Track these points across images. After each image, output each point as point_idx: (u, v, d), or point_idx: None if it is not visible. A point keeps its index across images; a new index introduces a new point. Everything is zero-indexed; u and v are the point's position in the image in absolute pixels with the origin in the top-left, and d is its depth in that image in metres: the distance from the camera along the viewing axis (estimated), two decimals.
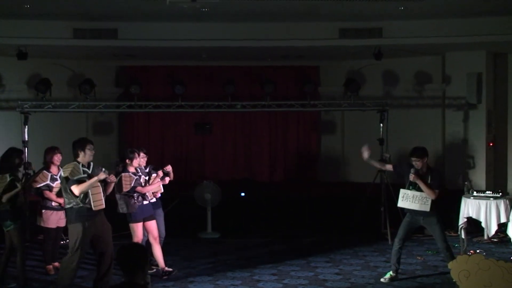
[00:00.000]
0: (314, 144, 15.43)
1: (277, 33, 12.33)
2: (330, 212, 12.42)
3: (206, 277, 9.07)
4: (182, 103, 12.45)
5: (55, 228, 9.15)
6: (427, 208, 8.56)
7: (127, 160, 8.96)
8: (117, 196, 8.93)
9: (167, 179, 9.35)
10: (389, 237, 11.02)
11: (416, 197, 8.60)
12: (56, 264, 9.19)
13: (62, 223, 9.18)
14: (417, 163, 8.61)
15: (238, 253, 10.69)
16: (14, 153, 8.79)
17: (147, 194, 9.08)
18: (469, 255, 8.19)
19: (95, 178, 7.78)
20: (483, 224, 10.83)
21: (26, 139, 11.61)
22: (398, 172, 8.97)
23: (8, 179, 8.40)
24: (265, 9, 11.30)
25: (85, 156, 7.92)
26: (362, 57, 13.50)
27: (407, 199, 8.68)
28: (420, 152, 8.70)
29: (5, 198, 8.37)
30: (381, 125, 12.13)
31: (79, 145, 7.98)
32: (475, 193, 11.10)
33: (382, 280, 8.78)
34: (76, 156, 7.94)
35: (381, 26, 12.31)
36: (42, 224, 9.11)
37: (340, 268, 9.58)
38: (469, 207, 10.91)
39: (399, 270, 8.95)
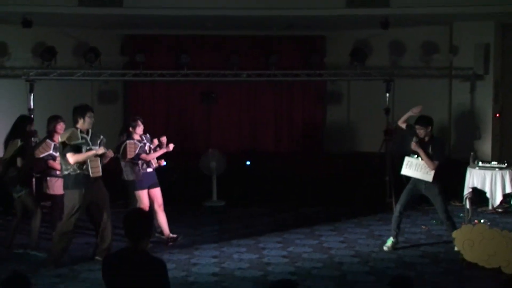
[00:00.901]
0: (319, 115, 15.36)
1: (283, 2, 12.21)
2: (335, 182, 12.47)
3: (211, 244, 9.16)
4: (187, 72, 12.41)
5: (61, 195, 9.17)
6: (429, 178, 8.57)
7: (130, 129, 8.97)
8: (122, 163, 8.98)
9: (171, 146, 9.31)
10: (393, 207, 11.01)
11: (419, 165, 8.62)
12: None
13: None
14: (420, 131, 8.61)
15: (243, 221, 10.79)
16: (25, 121, 8.86)
17: (151, 161, 9.11)
18: (474, 225, 8.36)
19: (92, 152, 7.84)
20: (488, 195, 10.88)
21: (32, 107, 11.64)
22: (406, 135, 8.91)
23: (19, 143, 8.42)
24: None
25: (84, 123, 7.96)
26: (369, 27, 13.36)
27: (411, 167, 8.71)
28: (424, 120, 8.71)
29: (19, 162, 8.42)
30: (387, 95, 12.09)
31: (79, 111, 8.00)
32: (480, 164, 11.10)
33: (384, 248, 8.83)
34: (76, 122, 7.97)
35: None
36: (48, 192, 9.13)
37: (344, 237, 9.66)
38: (475, 178, 10.94)
39: (400, 237, 9.05)
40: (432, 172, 8.53)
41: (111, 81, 13.81)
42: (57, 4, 11.94)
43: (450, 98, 13.69)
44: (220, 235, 9.78)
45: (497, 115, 13.12)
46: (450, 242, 8.73)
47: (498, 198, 10.81)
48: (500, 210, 11.18)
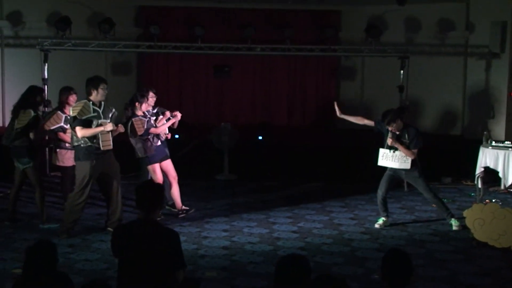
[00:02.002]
0: (333, 90, 15.29)
1: None
2: (346, 158, 12.42)
3: (222, 218, 9.22)
4: (201, 45, 12.38)
5: (71, 166, 9.05)
6: (407, 166, 8.61)
7: (136, 104, 8.93)
8: (133, 141, 8.93)
9: (178, 114, 9.32)
10: (405, 184, 11.03)
11: (396, 156, 8.64)
12: None
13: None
14: (391, 127, 8.55)
15: (254, 196, 10.83)
16: (35, 91, 8.80)
17: (160, 134, 9.11)
18: (485, 204, 8.29)
19: (100, 128, 7.84)
20: (500, 174, 10.86)
21: (46, 77, 11.69)
22: (378, 130, 8.88)
23: (32, 114, 8.43)
24: None
25: (97, 95, 7.96)
26: (384, 2, 13.31)
27: (387, 158, 8.72)
28: (389, 117, 8.59)
29: (32, 134, 8.43)
30: (402, 72, 12.03)
31: (93, 83, 7.99)
32: (493, 143, 11.05)
33: (375, 225, 8.88)
34: (89, 94, 7.96)
35: None
36: (58, 163, 9.15)
37: (355, 213, 9.70)
38: (487, 157, 10.92)
39: (410, 216, 9.29)
40: (410, 159, 8.54)
41: (125, 52, 13.80)
42: None
43: (465, 76, 13.59)
44: (231, 209, 9.82)
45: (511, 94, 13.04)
46: (444, 219, 8.91)
47: (511, 178, 10.77)
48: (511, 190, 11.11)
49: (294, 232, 8.59)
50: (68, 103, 8.99)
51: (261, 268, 7.06)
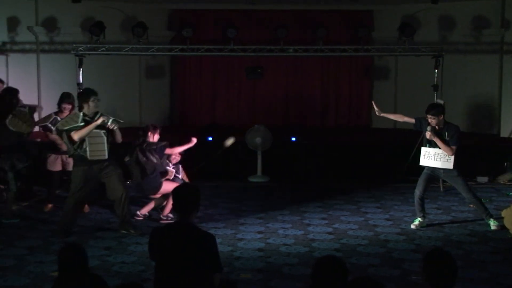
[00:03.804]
0: (366, 90, 15.32)
1: None
2: (381, 159, 12.36)
3: (256, 220, 9.24)
4: (234, 47, 12.44)
5: (58, 171, 9.58)
6: (450, 165, 8.53)
7: (149, 133, 9.08)
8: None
9: (194, 140, 9.51)
10: (440, 184, 10.96)
11: (438, 154, 8.56)
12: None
13: (68, 167, 9.43)
14: (432, 120, 8.50)
15: (288, 197, 10.84)
16: (11, 93, 9.25)
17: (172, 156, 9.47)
18: None
19: (93, 124, 8.01)
20: None
21: (81, 81, 11.84)
22: (418, 127, 8.85)
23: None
24: None
25: (89, 108, 8.17)
26: (417, 1, 13.36)
27: (429, 157, 8.65)
28: (436, 109, 8.58)
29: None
30: (436, 71, 11.92)
31: (83, 98, 8.26)
32: None
33: (412, 226, 8.83)
34: (81, 108, 8.21)
35: None
36: (48, 168, 9.55)
37: (390, 214, 9.63)
38: None
39: (447, 216, 9.20)
40: (452, 158, 8.46)
41: (158, 56, 13.96)
42: None
43: (501, 74, 13.53)
44: (265, 210, 9.82)
45: None
46: (482, 219, 8.83)
47: None
48: None
49: (329, 233, 8.58)
50: (61, 110, 9.41)
51: (296, 270, 7.05)
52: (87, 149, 8.06)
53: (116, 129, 8.21)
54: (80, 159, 8.14)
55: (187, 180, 9.68)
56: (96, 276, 4.67)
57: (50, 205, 9.73)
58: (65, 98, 9.47)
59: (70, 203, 8.28)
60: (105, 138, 8.16)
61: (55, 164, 9.52)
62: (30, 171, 9.41)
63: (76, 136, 7.98)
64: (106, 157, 8.21)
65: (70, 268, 4.53)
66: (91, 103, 8.14)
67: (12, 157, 8.89)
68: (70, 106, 9.41)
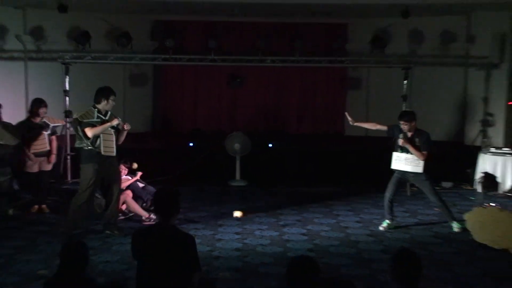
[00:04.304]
0: (341, 100, 15.47)
1: None
2: (353, 165, 12.65)
3: (235, 221, 9.42)
4: (214, 57, 12.57)
5: (36, 173, 9.81)
6: (419, 169, 8.83)
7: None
8: None
9: (138, 174, 9.93)
10: (407, 189, 11.36)
11: (408, 159, 8.87)
12: (43, 206, 9.92)
13: (46, 167, 9.81)
14: (404, 126, 8.81)
15: (265, 200, 11.01)
16: None
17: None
18: (485, 208, 8.31)
19: (108, 124, 8.19)
20: (499, 179, 11.15)
21: (67, 88, 11.96)
22: (391, 134, 9.13)
23: None
24: None
25: (106, 105, 8.31)
26: (389, 15, 13.44)
27: (400, 161, 8.96)
28: (408, 116, 8.88)
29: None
30: (405, 82, 12.13)
31: (105, 93, 8.33)
32: (492, 149, 11.35)
33: (380, 228, 9.05)
34: (98, 102, 8.29)
35: None
36: (26, 170, 9.77)
37: (360, 217, 9.86)
38: (487, 163, 11.18)
39: (413, 219, 9.44)
40: (422, 163, 8.77)
41: (142, 64, 14.15)
42: None
43: (466, 85, 13.74)
44: (243, 213, 9.92)
45: (509, 102, 13.12)
46: (446, 222, 9.09)
47: (509, 183, 11.09)
48: (510, 194, 11.30)
49: (303, 234, 8.73)
50: (38, 114, 9.63)
51: (272, 269, 7.14)
52: (101, 145, 8.20)
53: (126, 131, 8.45)
54: (90, 155, 8.15)
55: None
56: (89, 278, 4.89)
57: (36, 207, 9.88)
58: (42, 102, 9.62)
59: (80, 200, 8.22)
60: (114, 136, 8.34)
61: (33, 166, 9.69)
62: (11, 184, 9.64)
63: (90, 132, 8.07)
64: (115, 154, 8.39)
65: (71, 265, 4.61)
66: (110, 101, 8.28)
67: None
68: (46, 110, 9.67)
